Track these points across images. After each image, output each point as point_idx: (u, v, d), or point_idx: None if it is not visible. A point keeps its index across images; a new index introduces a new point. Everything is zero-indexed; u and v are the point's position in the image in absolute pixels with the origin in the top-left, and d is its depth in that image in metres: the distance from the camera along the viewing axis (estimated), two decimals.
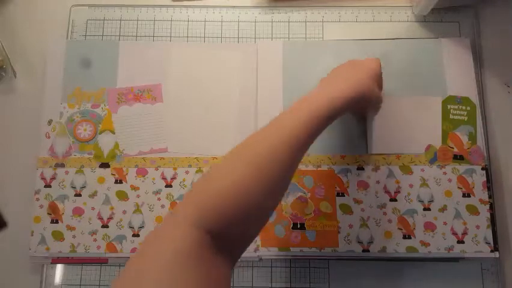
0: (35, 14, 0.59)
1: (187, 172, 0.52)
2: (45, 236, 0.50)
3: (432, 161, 0.51)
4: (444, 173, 0.51)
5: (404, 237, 0.49)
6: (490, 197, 0.50)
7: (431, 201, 0.50)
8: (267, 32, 0.57)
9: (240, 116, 0.54)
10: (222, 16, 0.58)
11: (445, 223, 0.50)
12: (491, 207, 0.50)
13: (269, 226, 0.49)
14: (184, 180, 0.52)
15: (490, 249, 0.48)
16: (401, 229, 0.50)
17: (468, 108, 0.52)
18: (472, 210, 0.50)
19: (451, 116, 0.52)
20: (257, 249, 0.49)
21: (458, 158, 0.51)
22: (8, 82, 0.56)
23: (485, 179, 0.50)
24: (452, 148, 0.52)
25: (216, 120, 0.54)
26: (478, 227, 0.49)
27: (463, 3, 0.56)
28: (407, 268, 0.50)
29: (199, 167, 0.52)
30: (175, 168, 0.52)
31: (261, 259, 0.50)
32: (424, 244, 0.49)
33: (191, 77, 0.55)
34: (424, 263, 0.50)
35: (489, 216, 0.49)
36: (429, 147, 0.52)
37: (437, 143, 0.52)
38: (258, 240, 0.49)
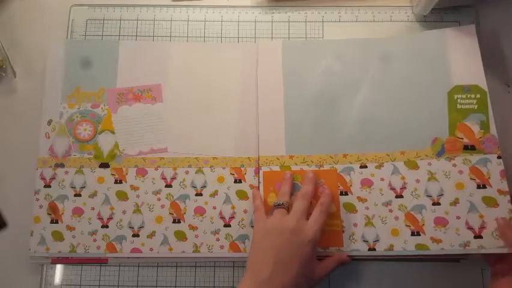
0: (35, 14, 0.59)
1: (187, 172, 0.52)
2: (45, 236, 0.50)
3: (439, 154, 0.49)
4: (454, 165, 0.49)
5: (413, 234, 0.48)
6: None
7: (440, 195, 0.48)
8: (267, 32, 0.57)
9: (240, 115, 0.53)
10: (222, 16, 0.58)
11: (458, 217, 0.47)
12: None
13: None
14: (184, 180, 0.52)
15: None
16: (409, 226, 0.48)
17: (478, 96, 0.50)
18: (490, 202, 0.47)
19: (459, 106, 0.50)
20: None
21: (469, 148, 0.49)
22: (8, 82, 0.56)
23: (503, 168, 0.47)
24: (462, 139, 0.49)
25: (216, 120, 0.54)
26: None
27: (463, 3, 0.56)
28: (406, 268, 0.50)
29: (199, 167, 0.52)
30: (174, 168, 0.52)
31: None
32: (435, 241, 0.47)
33: (191, 77, 0.55)
34: (424, 263, 0.50)
35: (510, 208, 0.46)
36: (435, 139, 0.50)
37: (444, 134, 0.50)
38: None
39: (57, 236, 0.50)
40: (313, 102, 0.53)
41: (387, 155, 0.51)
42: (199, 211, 0.51)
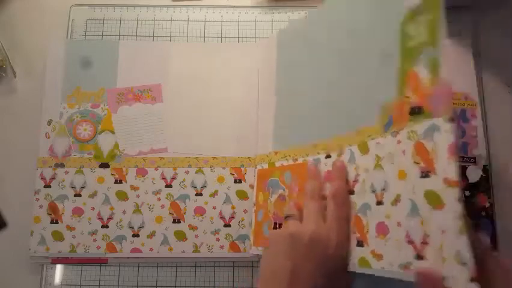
0: (35, 14, 0.59)
1: (187, 172, 0.52)
2: (45, 236, 0.50)
3: (387, 127, 0.34)
4: (399, 142, 0.32)
5: (358, 243, 0.35)
6: (486, 194, 0.42)
7: (383, 189, 0.34)
8: (267, 32, 0.57)
9: (240, 115, 0.54)
10: (222, 16, 0.58)
11: (399, 224, 0.31)
12: (491, 208, 0.46)
13: (260, 225, 0.49)
14: (184, 180, 0.52)
15: (468, 275, 0.25)
16: (355, 233, 0.36)
17: (430, 16, 0.30)
18: (434, 200, 0.28)
19: (411, 43, 0.31)
20: (250, 248, 0.49)
21: (416, 111, 0.30)
22: (8, 82, 0.56)
23: (453, 140, 0.28)
24: (408, 98, 0.31)
25: (216, 120, 0.54)
26: (443, 232, 0.27)
27: (463, 3, 0.56)
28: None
29: (199, 167, 0.52)
30: (175, 168, 0.52)
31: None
32: (376, 256, 0.33)
33: (191, 77, 0.55)
34: None
35: (460, 211, 0.26)
36: (382, 107, 0.35)
37: (391, 96, 0.33)
38: (250, 238, 0.49)
39: (58, 236, 0.50)
40: (302, 95, 0.48)
41: (346, 138, 0.39)
42: (199, 211, 0.51)
